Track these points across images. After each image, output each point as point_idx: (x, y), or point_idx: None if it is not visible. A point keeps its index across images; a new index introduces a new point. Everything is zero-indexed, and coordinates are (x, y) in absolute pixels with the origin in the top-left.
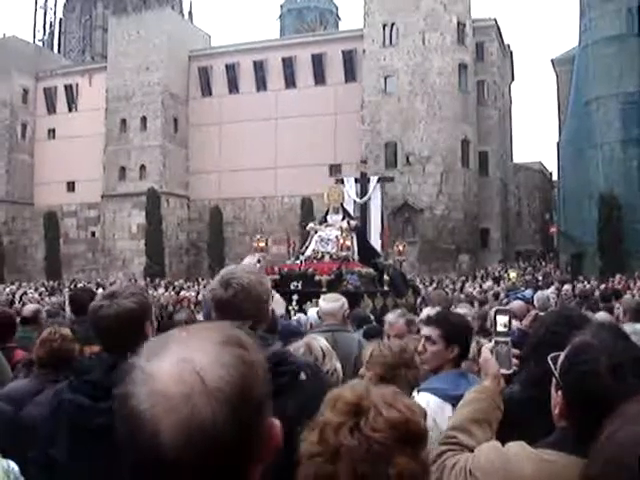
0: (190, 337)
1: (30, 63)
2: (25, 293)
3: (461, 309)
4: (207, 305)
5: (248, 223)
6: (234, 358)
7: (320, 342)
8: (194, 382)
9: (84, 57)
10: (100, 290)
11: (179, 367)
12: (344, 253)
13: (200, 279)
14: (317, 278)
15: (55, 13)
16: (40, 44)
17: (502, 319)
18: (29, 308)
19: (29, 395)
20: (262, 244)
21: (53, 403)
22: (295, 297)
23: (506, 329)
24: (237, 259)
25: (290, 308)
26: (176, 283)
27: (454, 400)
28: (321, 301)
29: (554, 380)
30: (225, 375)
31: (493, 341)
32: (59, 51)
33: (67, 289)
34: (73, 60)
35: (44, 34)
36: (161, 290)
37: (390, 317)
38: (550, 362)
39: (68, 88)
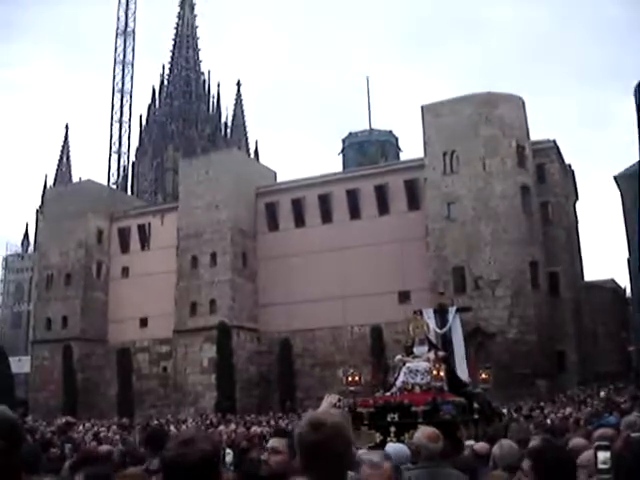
0: None
1: (105, 205)
2: (98, 433)
3: (534, 440)
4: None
5: (318, 354)
6: None
7: None
8: None
9: (156, 198)
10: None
11: None
12: (438, 384)
13: (272, 413)
14: (413, 409)
15: (128, 157)
16: (114, 187)
17: (603, 455)
18: (103, 449)
19: None
20: (356, 378)
21: None
22: (393, 429)
23: (607, 466)
24: (307, 390)
25: (388, 440)
26: (247, 418)
27: None
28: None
29: None
30: None
31: (595, 479)
32: (132, 192)
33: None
34: (146, 201)
35: (118, 177)
36: (232, 426)
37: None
38: None
39: (141, 228)
